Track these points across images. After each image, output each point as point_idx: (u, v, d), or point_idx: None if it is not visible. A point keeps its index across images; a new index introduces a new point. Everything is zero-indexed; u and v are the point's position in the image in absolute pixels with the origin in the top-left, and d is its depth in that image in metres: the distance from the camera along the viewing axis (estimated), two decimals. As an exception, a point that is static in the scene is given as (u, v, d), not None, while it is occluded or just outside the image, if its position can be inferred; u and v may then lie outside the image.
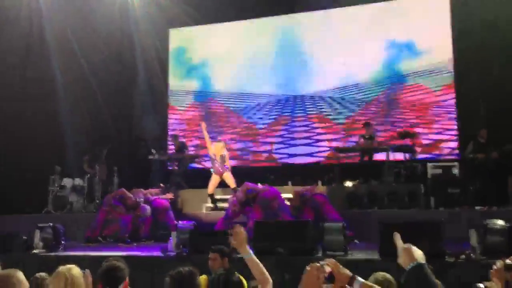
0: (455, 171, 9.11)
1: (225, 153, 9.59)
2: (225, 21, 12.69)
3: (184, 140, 11.95)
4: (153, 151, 11.00)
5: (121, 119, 12.60)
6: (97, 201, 10.25)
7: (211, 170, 9.64)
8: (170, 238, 6.86)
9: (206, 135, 9.78)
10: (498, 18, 9.79)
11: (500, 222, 5.75)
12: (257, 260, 2.84)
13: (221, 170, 9.45)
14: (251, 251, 2.83)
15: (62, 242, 7.47)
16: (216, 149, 9.60)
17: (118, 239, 8.46)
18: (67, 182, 10.69)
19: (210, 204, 9.89)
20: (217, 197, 9.72)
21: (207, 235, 6.67)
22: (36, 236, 7.38)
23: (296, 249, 6.09)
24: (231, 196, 8.69)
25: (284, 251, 6.00)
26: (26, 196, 10.56)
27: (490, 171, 8.84)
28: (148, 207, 8.83)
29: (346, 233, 6.26)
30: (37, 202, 10.51)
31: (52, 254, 7.12)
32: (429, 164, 9.41)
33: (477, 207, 8.24)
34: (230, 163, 9.77)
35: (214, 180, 9.56)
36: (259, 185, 8.42)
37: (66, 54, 11.96)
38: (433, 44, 11.01)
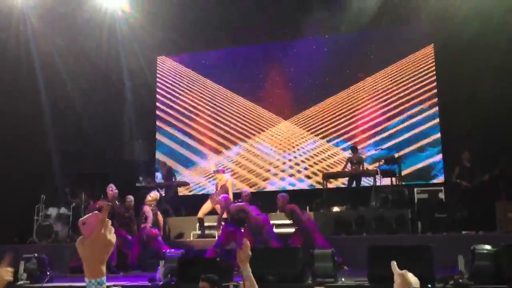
0: (442, 195, 9.20)
1: (228, 184, 9.48)
2: (213, 49, 12.89)
3: (171, 167, 11.91)
4: (140, 178, 10.94)
5: (109, 144, 12.52)
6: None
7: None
8: (158, 267, 6.78)
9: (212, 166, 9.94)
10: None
11: (487, 247, 5.81)
12: (253, 280, 2.87)
13: (215, 198, 9.39)
14: (249, 269, 2.86)
15: (47, 273, 7.32)
16: (219, 178, 9.62)
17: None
18: (52, 211, 10.53)
19: (198, 232, 9.81)
20: (206, 224, 9.61)
21: (196, 263, 6.60)
22: (20, 267, 7.23)
23: (286, 276, 6.06)
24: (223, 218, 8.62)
25: (274, 278, 5.96)
26: (11, 225, 10.37)
27: (476, 196, 8.94)
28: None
29: (336, 260, 6.26)
30: (22, 232, 10.32)
31: (37, 285, 6.97)
32: (416, 189, 9.50)
33: (464, 232, 8.30)
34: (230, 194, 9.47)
35: (207, 206, 9.46)
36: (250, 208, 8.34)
37: (53, 78, 11.94)
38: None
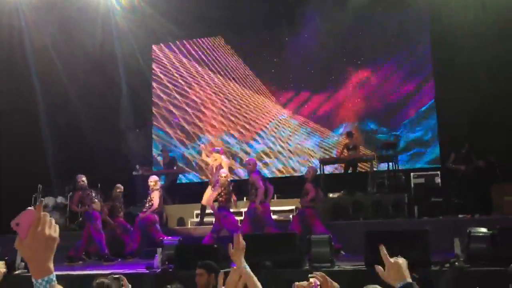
0: (438, 180, 9.23)
1: (224, 164, 9.25)
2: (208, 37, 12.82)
3: (174, 155, 11.90)
4: (137, 166, 10.93)
5: (105, 135, 12.47)
6: (80, 219, 10.10)
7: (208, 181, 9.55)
8: (156, 254, 6.79)
9: (203, 155, 9.80)
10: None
11: (483, 230, 5.84)
12: (251, 273, 2.81)
13: (213, 180, 9.29)
14: (246, 264, 2.81)
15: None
16: (215, 158, 9.48)
17: (100, 257, 8.35)
18: (49, 200, 10.52)
19: (195, 219, 9.82)
20: (207, 211, 9.50)
21: (193, 250, 6.61)
22: (17, 256, 7.22)
23: (284, 261, 6.08)
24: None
25: (271, 265, 5.98)
26: (8, 215, 10.33)
27: (472, 180, 8.97)
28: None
29: (333, 245, 6.29)
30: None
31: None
32: (412, 174, 9.52)
33: (460, 216, 8.34)
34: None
35: (209, 190, 9.28)
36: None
37: (47, 70, 11.86)
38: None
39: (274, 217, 9.26)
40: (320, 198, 8.56)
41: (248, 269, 2.80)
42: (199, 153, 11.33)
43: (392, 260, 1.96)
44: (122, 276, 3.41)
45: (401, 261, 1.96)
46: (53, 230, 1.26)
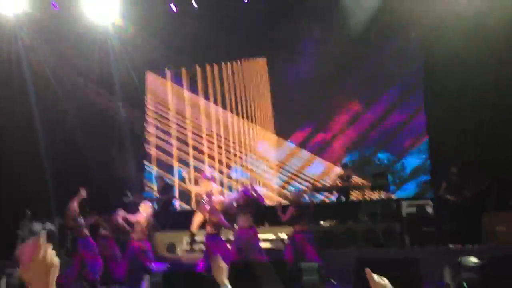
0: (429, 209, 9.22)
1: (213, 189, 9.03)
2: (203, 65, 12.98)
3: (169, 182, 11.85)
4: (129, 193, 10.86)
5: (100, 159, 12.44)
6: (68, 246, 9.96)
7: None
8: (143, 281, 6.68)
9: (187, 183, 9.76)
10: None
11: (473, 259, 5.80)
12: None
13: (206, 209, 9.18)
14: (228, 284, 2.81)
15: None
16: (205, 185, 9.30)
17: (89, 283, 8.21)
18: (37, 226, 10.38)
19: (186, 247, 9.69)
20: (197, 238, 9.38)
21: (181, 277, 6.50)
22: (1, 283, 7.08)
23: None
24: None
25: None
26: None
27: (463, 209, 8.96)
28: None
29: (322, 273, 6.22)
30: (7, 248, 10.14)
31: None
32: (404, 203, 9.52)
33: (451, 245, 8.30)
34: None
35: (198, 218, 9.15)
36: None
37: (45, 94, 11.92)
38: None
39: (266, 245, 9.17)
40: (305, 217, 8.28)
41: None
42: (183, 180, 11.25)
43: (376, 279, 1.98)
44: None
45: (386, 281, 1.97)
46: (54, 258, 1.39)
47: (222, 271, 2.80)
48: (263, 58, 12.51)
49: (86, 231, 8.52)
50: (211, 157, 12.59)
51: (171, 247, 10.07)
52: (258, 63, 12.61)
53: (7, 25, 11.47)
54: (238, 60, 12.68)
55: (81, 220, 8.59)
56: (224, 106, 12.71)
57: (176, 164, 12.79)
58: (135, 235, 8.58)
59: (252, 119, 12.46)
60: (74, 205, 8.51)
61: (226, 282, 2.80)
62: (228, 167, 12.43)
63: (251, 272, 6.30)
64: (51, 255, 1.38)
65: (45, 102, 11.99)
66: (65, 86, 12.08)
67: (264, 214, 10.24)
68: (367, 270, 2.07)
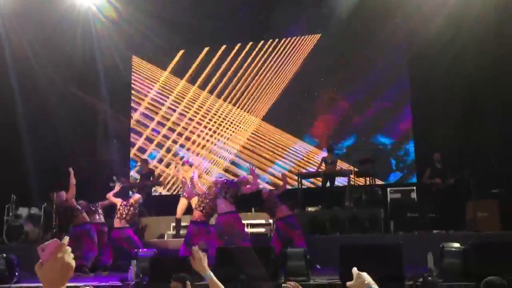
0: (414, 195, 9.35)
1: (195, 176, 8.90)
2: (188, 48, 12.87)
3: (153, 168, 11.81)
4: (114, 178, 10.79)
5: (83, 144, 12.34)
6: (54, 230, 9.92)
7: (180, 193, 9.43)
8: (130, 267, 6.70)
9: (172, 167, 9.75)
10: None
11: (456, 245, 5.93)
12: (218, 282, 2.85)
13: (190, 194, 9.20)
14: (211, 273, 2.85)
15: (16, 273, 7.15)
16: (185, 170, 9.40)
17: (77, 268, 8.21)
18: (23, 211, 10.31)
19: (172, 232, 9.73)
20: (183, 224, 9.42)
21: (168, 262, 6.54)
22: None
23: (259, 275, 6.06)
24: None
25: (246, 277, 5.96)
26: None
27: (447, 196, 9.12)
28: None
29: (308, 259, 6.30)
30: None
31: (5, 285, 6.81)
32: (389, 189, 9.63)
33: (435, 231, 8.45)
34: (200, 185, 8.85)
35: (182, 203, 9.24)
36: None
37: (26, 75, 11.72)
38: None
39: (251, 230, 9.24)
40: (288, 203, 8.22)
41: (213, 277, 2.86)
42: (168, 166, 11.20)
43: (359, 272, 2.11)
44: None
45: (367, 275, 2.11)
46: (71, 259, 1.41)
47: (201, 261, 2.84)
48: (248, 42, 12.47)
49: (85, 217, 8.45)
50: (195, 142, 12.57)
51: (157, 233, 10.10)
52: (244, 46, 12.57)
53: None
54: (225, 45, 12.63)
55: (79, 205, 8.52)
56: (210, 91, 12.67)
57: (156, 148, 12.76)
58: (116, 221, 8.58)
59: (240, 105, 12.44)
60: (73, 190, 8.41)
61: (207, 269, 2.85)
62: (214, 152, 12.43)
63: (235, 257, 6.36)
64: (70, 257, 1.40)
65: (27, 86, 11.80)
66: (47, 70, 11.90)
67: (250, 200, 10.31)
68: (354, 269, 2.21)
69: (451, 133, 10.02)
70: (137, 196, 9.08)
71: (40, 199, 10.52)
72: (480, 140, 9.86)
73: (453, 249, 5.86)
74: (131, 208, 8.67)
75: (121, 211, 8.59)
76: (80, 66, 12.29)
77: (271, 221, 9.50)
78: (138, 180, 11.43)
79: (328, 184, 10.34)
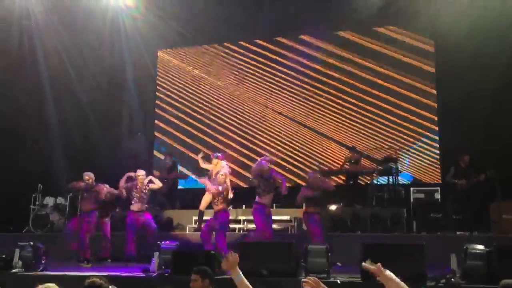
0: (437, 196, 9.24)
1: (223, 171, 8.88)
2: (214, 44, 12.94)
3: (176, 160, 11.93)
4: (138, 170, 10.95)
5: (110, 136, 12.59)
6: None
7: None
8: (153, 258, 6.81)
9: (200, 161, 9.79)
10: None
11: (480, 247, 5.84)
12: (247, 283, 2.87)
13: (214, 188, 9.27)
14: (241, 274, 2.87)
15: (42, 261, 7.34)
16: (214, 163, 9.44)
17: (99, 258, 8.39)
18: (49, 200, 10.56)
19: (194, 225, 9.82)
20: (205, 217, 9.42)
21: (190, 255, 6.62)
22: (15, 255, 7.25)
23: (280, 270, 6.09)
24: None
25: (267, 272, 6.00)
26: (8, 214, 10.39)
27: (471, 197, 8.97)
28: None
29: (329, 256, 6.29)
30: (20, 221, 10.36)
31: (31, 273, 6.99)
32: (412, 189, 9.54)
33: (458, 232, 8.34)
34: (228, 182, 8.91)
35: (207, 197, 9.20)
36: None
37: (57, 72, 12.01)
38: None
39: (273, 226, 9.26)
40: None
41: (243, 278, 2.85)
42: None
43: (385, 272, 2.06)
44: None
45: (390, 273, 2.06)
46: None
47: (233, 263, 2.86)
48: (275, 39, 12.46)
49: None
50: (220, 138, 12.64)
51: (180, 226, 10.21)
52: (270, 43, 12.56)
53: (19, 2, 11.48)
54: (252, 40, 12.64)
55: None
56: (236, 85, 12.71)
57: (185, 144, 12.87)
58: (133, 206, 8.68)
59: (264, 99, 12.46)
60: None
61: (239, 271, 2.85)
62: (236, 148, 12.48)
63: (256, 252, 6.41)
64: None
65: (57, 80, 12.08)
66: (76, 64, 12.14)
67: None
68: (378, 265, 2.15)
69: (477, 133, 9.86)
70: (140, 172, 8.91)
71: (66, 191, 10.75)
72: (506, 140, 9.66)
73: (477, 251, 5.77)
74: (145, 188, 8.75)
75: (138, 193, 8.67)
76: (109, 61, 12.50)
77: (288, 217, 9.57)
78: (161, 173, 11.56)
79: (351, 182, 10.30)
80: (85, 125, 12.28)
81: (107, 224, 8.87)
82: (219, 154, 9.83)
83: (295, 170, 11.85)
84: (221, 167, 9.08)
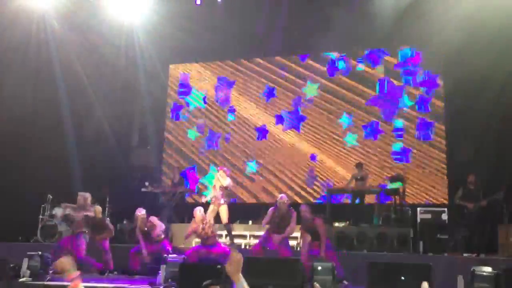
0: (444, 216, 9.22)
1: (226, 184, 9.09)
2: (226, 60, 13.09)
3: (183, 177, 12.00)
4: (147, 183, 11.04)
5: (120, 149, 12.72)
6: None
7: (208, 200, 9.49)
8: (159, 271, 6.85)
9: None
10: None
11: (487, 269, 5.84)
12: None
13: (218, 201, 9.27)
14: (243, 280, 2.80)
15: (50, 271, 7.40)
16: (218, 176, 9.47)
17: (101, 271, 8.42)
18: (58, 211, 10.62)
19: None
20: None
21: (197, 269, 6.65)
22: (23, 264, 7.32)
23: (286, 287, 6.11)
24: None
25: (273, 288, 6.02)
26: (16, 224, 10.47)
27: (479, 219, 8.93)
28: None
29: (335, 274, 6.31)
30: (29, 231, 10.44)
31: (39, 283, 7.04)
32: (419, 209, 9.53)
33: (465, 254, 8.30)
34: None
35: (212, 210, 9.26)
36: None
37: (72, 82, 12.19)
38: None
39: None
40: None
41: (245, 284, 2.75)
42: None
43: None
44: None
45: None
46: None
47: (238, 265, 2.74)
48: (288, 55, 12.56)
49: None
50: (228, 153, 12.72)
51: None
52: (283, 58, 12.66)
53: (36, 13, 11.71)
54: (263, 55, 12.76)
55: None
56: (248, 100, 12.79)
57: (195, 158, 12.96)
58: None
59: (275, 115, 12.54)
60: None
61: (241, 276, 2.77)
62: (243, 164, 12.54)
63: (263, 267, 6.42)
64: None
65: (72, 91, 12.25)
66: (92, 76, 12.33)
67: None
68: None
69: (486, 155, 9.86)
70: (140, 212, 8.79)
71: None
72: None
73: (484, 273, 5.77)
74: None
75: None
76: (124, 73, 12.68)
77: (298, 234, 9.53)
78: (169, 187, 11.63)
79: (357, 201, 10.30)
80: (97, 137, 12.40)
81: (104, 241, 8.79)
82: (225, 168, 9.92)
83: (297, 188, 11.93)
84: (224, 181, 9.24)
